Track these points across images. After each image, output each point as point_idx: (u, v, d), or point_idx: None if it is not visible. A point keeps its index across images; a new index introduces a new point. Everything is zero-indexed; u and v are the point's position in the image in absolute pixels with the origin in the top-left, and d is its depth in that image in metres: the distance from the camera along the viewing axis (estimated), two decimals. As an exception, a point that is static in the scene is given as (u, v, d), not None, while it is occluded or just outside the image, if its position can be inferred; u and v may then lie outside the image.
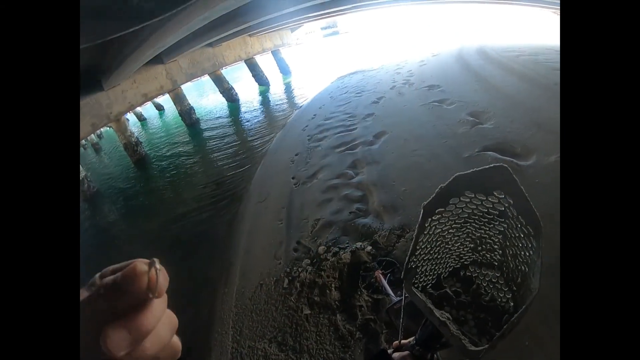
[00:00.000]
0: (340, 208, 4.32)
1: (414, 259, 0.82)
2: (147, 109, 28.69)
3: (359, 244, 3.47)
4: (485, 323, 0.76)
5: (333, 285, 3.15)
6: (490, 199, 0.73)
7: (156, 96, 13.88)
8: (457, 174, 0.74)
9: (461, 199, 0.77)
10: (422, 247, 0.82)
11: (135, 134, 13.20)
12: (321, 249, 3.67)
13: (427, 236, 0.82)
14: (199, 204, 7.05)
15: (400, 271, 2.98)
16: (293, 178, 5.77)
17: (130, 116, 27.13)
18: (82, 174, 10.67)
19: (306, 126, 8.30)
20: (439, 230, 0.83)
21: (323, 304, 3.07)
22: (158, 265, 0.30)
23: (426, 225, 0.80)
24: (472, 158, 4.16)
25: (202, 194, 7.47)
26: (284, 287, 3.45)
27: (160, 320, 0.31)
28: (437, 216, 0.80)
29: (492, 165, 0.70)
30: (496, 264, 0.83)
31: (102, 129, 18.87)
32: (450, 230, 0.84)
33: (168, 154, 12.48)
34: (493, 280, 0.83)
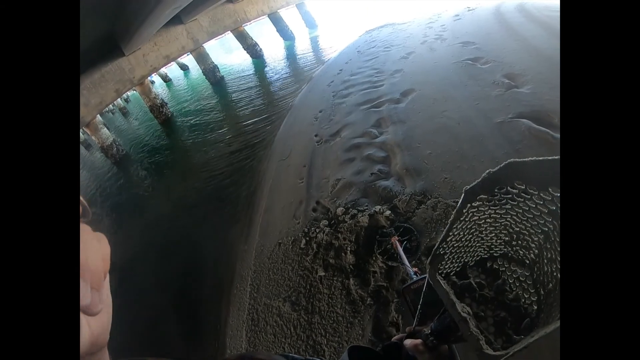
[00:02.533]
0: (362, 169, 4.16)
1: (444, 245, 0.77)
2: (172, 70, 28.90)
3: (377, 208, 3.34)
4: (504, 323, 0.71)
5: (349, 248, 3.08)
6: (543, 195, 0.62)
7: (178, 57, 13.86)
8: (511, 160, 0.64)
9: (509, 188, 0.67)
10: (455, 234, 0.76)
11: (160, 96, 13.39)
12: (340, 210, 3.57)
13: (463, 223, 0.75)
14: (222, 162, 7.13)
15: (417, 239, 2.89)
16: (316, 136, 5.62)
17: (156, 78, 27.50)
18: (111, 138, 11.05)
19: (332, 82, 8.00)
20: (476, 217, 0.75)
21: (338, 267, 3.02)
22: None
23: (464, 211, 0.73)
24: (505, 124, 3.76)
25: (226, 152, 7.52)
26: (301, 247, 3.43)
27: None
28: (478, 203, 0.72)
29: (555, 157, 0.57)
30: (528, 262, 0.75)
31: (128, 93, 19.35)
32: (487, 220, 0.76)
33: (193, 113, 12.56)
34: (521, 278, 0.76)
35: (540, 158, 0.60)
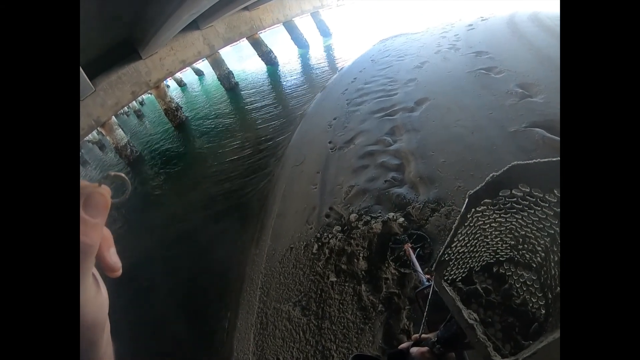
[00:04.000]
0: (376, 176, 4.15)
1: (449, 252, 0.76)
2: (187, 75, 29.37)
3: (391, 215, 3.32)
4: (512, 328, 0.70)
5: (361, 254, 3.06)
6: (548, 197, 0.60)
7: (194, 62, 14.08)
8: (514, 162, 0.63)
9: (513, 191, 0.66)
10: (460, 239, 0.75)
11: (175, 100, 13.59)
12: (353, 216, 3.56)
13: (467, 228, 0.75)
14: (236, 166, 7.18)
15: (430, 246, 2.86)
16: (330, 142, 5.65)
17: (171, 82, 28.02)
18: (125, 139, 11.26)
19: (346, 90, 8.04)
20: (480, 222, 0.75)
21: (349, 273, 3.00)
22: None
23: (468, 216, 0.72)
24: (518, 133, 3.75)
25: (240, 156, 7.59)
26: (313, 253, 3.43)
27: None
28: (482, 207, 0.71)
29: (558, 158, 0.55)
30: (535, 265, 0.74)
31: (143, 96, 19.75)
32: (492, 224, 0.75)
33: (207, 117, 12.74)
34: (528, 282, 0.75)
35: (544, 160, 0.59)
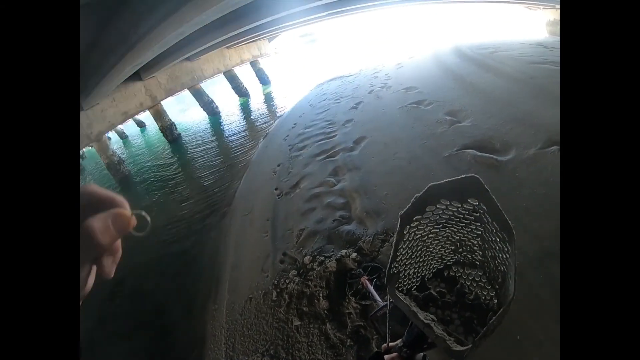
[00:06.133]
0: (324, 216, 4.35)
1: (395, 265, 0.84)
2: (129, 127, 28.32)
3: (344, 252, 3.52)
4: (470, 321, 0.78)
5: (321, 294, 3.19)
6: (465, 205, 0.74)
7: (136, 114, 13.76)
8: (431, 184, 0.77)
9: (437, 206, 0.79)
10: (403, 252, 0.84)
11: (118, 153, 13.06)
12: (307, 259, 3.70)
13: (407, 242, 0.84)
14: (184, 220, 7.01)
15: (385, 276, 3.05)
16: (276, 189, 5.77)
17: (112, 134, 26.74)
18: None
19: (287, 136, 8.30)
20: (419, 235, 0.85)
21: (312, 314, 3.10)
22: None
23: (405, 232, 0.82)
24: (452, 157, 4.21)
25: (187, 210, 7.43)
26: (272, 300, 3.48)
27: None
28: (415, 223, 0.82)
29: (463, 175, 0.71)
30: (478, 263, 0.84)
31: (84, 150, 18.65)
32: (429, 235, 0.86)
33: (151, 171, 12.35)
34: (476, 279, 0.84)
35: (452, 178, 0.72)
